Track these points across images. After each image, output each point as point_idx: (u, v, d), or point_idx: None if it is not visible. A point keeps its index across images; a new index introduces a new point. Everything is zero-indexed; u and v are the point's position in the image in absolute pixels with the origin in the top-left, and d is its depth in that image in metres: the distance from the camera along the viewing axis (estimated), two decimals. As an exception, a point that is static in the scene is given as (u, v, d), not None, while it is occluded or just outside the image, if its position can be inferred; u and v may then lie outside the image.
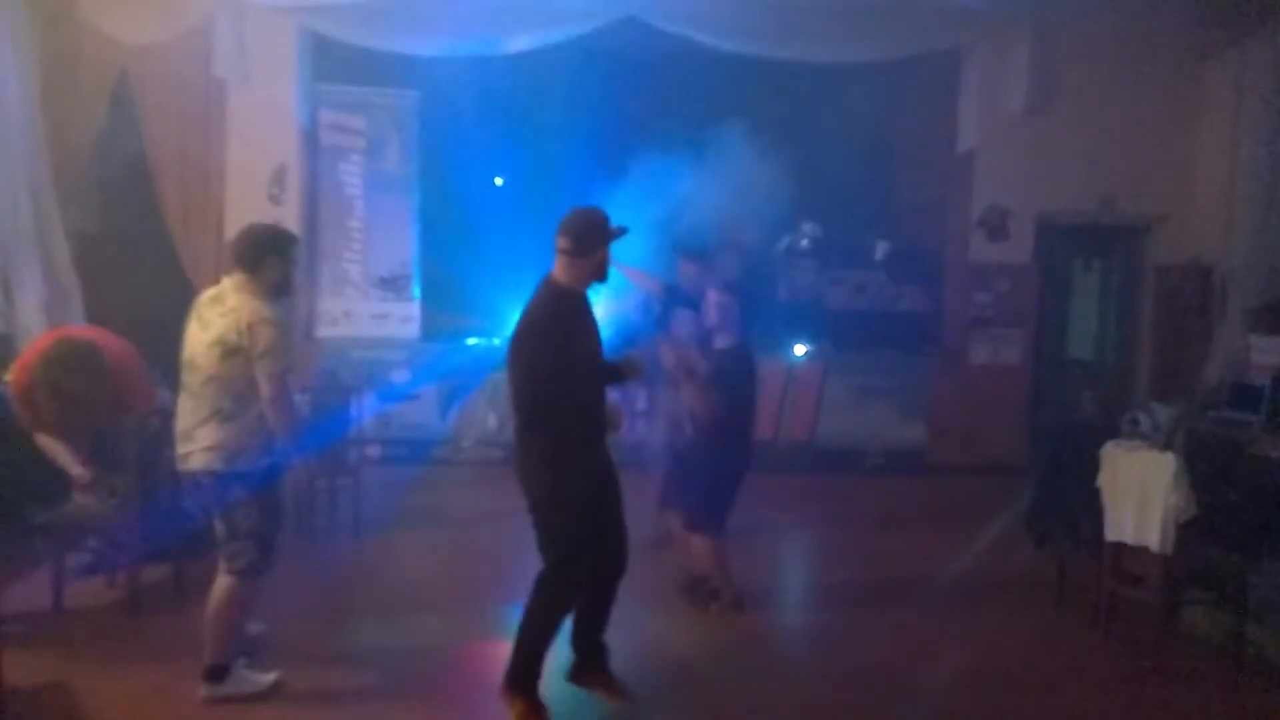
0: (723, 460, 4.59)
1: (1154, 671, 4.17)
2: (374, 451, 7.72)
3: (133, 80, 7.33)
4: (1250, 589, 4.25)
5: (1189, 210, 8.14)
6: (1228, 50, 7.60)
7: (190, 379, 3.57)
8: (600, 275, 3.48)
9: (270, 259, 3.62)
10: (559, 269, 3.45)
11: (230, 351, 3.48)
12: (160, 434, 4.70)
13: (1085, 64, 8.05)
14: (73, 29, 7.15)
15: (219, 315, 3.53)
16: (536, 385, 3.30)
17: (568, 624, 3.60)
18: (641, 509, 4.46)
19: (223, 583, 3.62)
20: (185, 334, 3.61)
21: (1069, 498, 4.97)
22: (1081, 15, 7.85)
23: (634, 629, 4.26)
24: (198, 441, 3.53)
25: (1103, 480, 4.50)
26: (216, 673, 3.65)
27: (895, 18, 7.59)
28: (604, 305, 4.74)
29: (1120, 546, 4.40)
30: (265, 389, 3.53)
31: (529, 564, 3.51)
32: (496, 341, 8.07)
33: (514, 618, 3.57)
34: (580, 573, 3.47)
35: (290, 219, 7.86)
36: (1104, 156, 8.11)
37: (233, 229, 6.85)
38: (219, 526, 3.62)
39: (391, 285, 8.12)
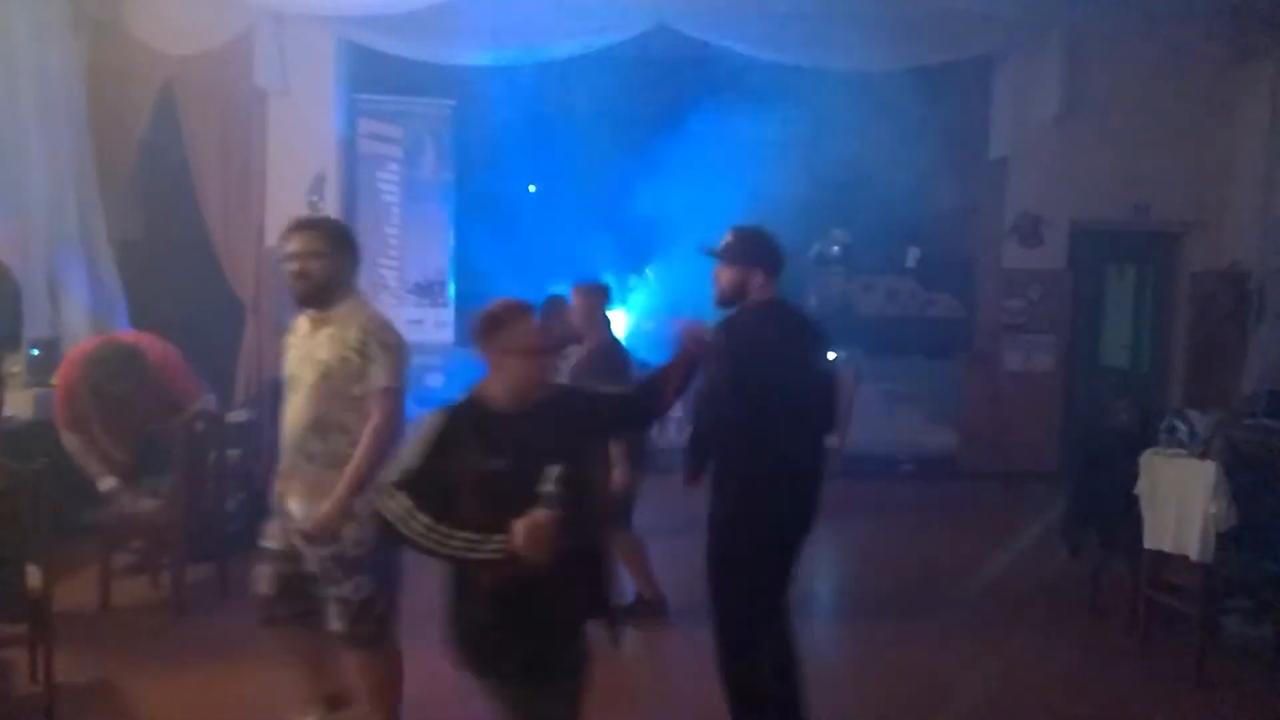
0: None
1: (1193, 681, 4.12)
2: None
3: (176, 90, 7.48)
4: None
5: (1224, 216, 8.04)
6: (1264, 55, 7.51)
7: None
8: None
9: None
10: None
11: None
12: (205, 436, 4.82)
13: (1118, 70, 7.99)
14: (118, 41, 7.33)
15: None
16: None
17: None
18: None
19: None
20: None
21: (1104, 505, 4.93)
22: (1114, 21, 7.80)
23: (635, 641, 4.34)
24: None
25: (1141, 488, 4.47)
26: None
27: (928, 25, 7.60)
28: None
29: (1159, 555, 4.36)
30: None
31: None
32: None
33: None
34: None
35: (327, 226, 8.00)
36: (1138, 162, 8.03)
37: (273, 237, 6.98)
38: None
39: (427, 291, 8.21)
